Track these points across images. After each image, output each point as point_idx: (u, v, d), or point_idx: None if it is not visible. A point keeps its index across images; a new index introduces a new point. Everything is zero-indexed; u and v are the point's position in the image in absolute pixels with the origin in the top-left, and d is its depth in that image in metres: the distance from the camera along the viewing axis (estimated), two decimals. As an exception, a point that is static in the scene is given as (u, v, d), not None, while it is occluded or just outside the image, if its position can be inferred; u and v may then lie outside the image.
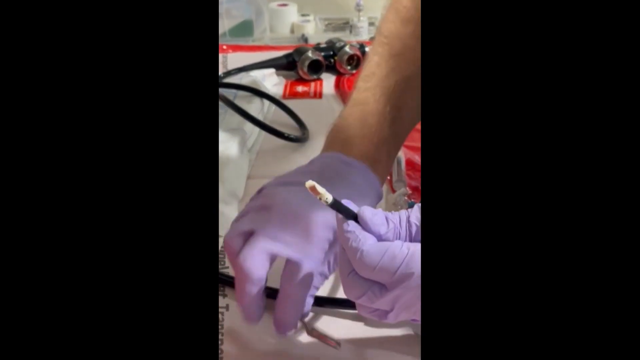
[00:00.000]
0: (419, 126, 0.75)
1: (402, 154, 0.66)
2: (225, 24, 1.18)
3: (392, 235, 0.36)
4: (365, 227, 0.36)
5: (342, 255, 0.37)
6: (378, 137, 0.48)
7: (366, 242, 0.35)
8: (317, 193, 0.35)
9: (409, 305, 0.35)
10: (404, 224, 0.37)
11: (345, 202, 0.36)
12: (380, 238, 0.36)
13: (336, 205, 0.36)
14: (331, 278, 0.50)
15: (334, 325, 0.45)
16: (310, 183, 0.35)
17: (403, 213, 0.37)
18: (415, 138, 0.73)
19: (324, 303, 0.46)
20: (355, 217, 0.36)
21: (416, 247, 0.35)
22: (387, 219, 0.36)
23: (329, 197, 0.35)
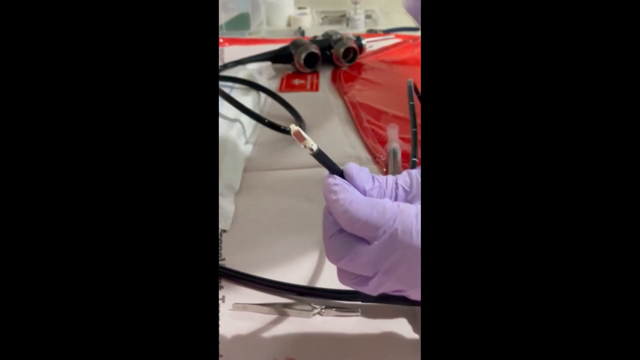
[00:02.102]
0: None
1: (398, 146, 0.66)
2: (221, 17, 1.18)
3: (377, 193, 0.35)
4: (351, 182, 0.35)
5: (327, 218, 0.35)
6: None
7: (355, 194, 0.34)
8: (302, 139, 0.33)
9: (392, 269, 0.33)
10: (390, 185, 0.36)
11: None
12: (364, 194, 0.35)
13: (320, 157, 0.34)
14: (332, 270, 0.50)
15: (325, 318, 0.45)
16: (294, 128, 0.33)
17: (390, 177, 0.36)
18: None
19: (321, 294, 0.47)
20: (340, 173, 0.35)
21: (406, 206, 0.33)
22: (373, 177, 0.36)
23: (314, 146, 0.33)
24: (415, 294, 0.35)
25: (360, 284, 0.35)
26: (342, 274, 0.36)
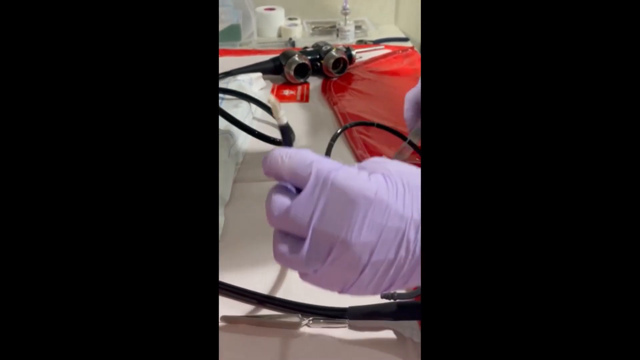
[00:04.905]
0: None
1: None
2: (212, 28, 1.18)
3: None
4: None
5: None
6: None
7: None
8: (277, 111, 0.37)
9: (323, 213, 0.32)
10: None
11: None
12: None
13: (285, 130, 0.39)
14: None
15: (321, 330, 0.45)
16: (273, 100, 0.36)
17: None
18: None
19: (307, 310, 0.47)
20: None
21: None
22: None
23: (283, 121, 0.37)
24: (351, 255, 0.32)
25: (294, 250, 0.33)
26: (276, 244, 0.35)
